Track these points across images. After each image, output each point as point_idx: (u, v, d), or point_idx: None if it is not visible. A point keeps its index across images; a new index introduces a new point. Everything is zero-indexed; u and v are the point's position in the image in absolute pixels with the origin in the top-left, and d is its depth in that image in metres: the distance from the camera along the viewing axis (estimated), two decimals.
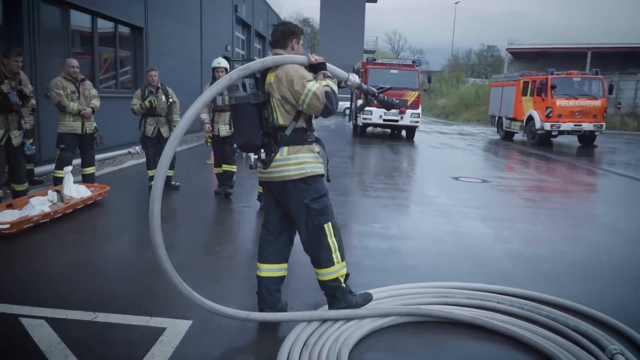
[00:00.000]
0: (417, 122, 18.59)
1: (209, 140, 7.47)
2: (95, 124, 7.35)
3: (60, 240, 5.13)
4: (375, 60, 19.49)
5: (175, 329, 3.26)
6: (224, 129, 7.23)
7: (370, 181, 9.63)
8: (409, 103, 18.03)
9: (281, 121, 3.25)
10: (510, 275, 4.54)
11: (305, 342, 3.10)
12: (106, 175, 8.96)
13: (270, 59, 3.23)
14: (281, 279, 3.50)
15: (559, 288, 4.20)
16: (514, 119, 20.08)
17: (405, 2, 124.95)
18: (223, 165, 7.48)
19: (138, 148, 11.38)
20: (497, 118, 22.04)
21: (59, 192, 6.03)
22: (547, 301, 3.87)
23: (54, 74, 7.31)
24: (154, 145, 7.71)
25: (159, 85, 7.73)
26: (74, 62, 7.19)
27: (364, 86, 3.58)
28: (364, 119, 18.63)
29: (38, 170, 8.27)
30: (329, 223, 3.32)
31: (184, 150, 12.86)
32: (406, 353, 3.17)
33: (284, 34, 3.38)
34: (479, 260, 4.98)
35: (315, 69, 3.30)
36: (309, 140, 3.33)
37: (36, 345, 2.99)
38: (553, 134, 17.65)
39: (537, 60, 35.35)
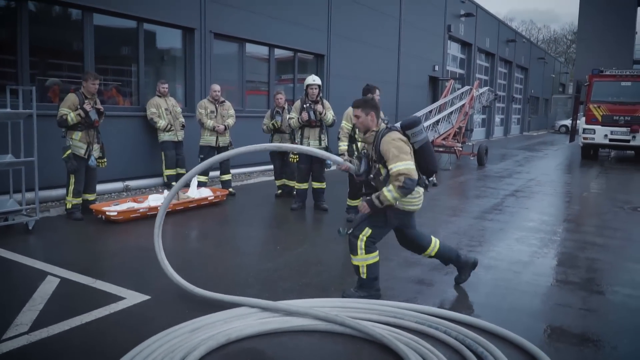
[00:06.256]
0: None
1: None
2: (230, 139, 8.65)
3: (145, 228, 6.24)
4: (602, 72, 17.38)
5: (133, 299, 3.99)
6: None
7: (497, 203, 8.84)
8: None
9: None
10: None
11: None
12: (247, 185, 10.30)
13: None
14: None
15: None
16: None
17: None
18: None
19: None
20: None
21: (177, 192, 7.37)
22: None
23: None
24: (279, 158, 8.66)
25: (285, 106, 8.61)
26: (216, 87, 8.65)
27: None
28: (584, 138, 16.82)
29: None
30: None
31: None
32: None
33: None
34: None
35: None
36: None
37: (33, 293, 4.04)
38: None
39: None
